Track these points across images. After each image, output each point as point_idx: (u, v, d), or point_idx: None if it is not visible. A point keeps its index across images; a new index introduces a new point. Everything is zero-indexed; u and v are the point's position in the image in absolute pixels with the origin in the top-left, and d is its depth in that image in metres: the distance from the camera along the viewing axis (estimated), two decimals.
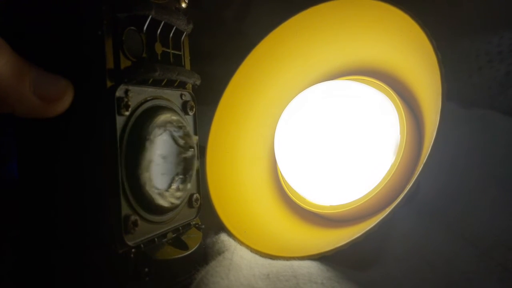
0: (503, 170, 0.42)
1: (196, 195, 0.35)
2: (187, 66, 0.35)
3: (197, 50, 0.37)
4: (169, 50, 0.33)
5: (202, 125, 0.39)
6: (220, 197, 0.43)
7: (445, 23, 0.56)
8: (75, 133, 0.28)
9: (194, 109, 0.35)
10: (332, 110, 0.42)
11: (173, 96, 0.33)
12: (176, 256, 0.32)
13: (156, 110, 0.30)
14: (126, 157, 0.28)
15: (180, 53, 0.34)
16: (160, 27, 0.31)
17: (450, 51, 0.59)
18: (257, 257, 0.36)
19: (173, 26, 0.32)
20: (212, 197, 0.42)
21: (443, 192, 0.42)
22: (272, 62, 0.47)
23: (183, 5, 0.34)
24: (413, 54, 0.38)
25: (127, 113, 0.28)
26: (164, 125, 0.30)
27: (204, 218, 0.37)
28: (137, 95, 0.29)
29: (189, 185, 0.33)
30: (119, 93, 0.27)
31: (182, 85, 0.34)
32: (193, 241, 0.34)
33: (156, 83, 0.31)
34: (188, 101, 0.35)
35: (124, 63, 0.28)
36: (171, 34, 0.32)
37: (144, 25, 0.30)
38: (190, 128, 0.34)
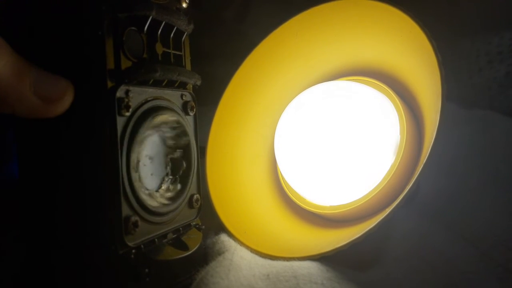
0: (503, 170, 0.42)
1: (196, 196, 0.35)
2: (188, 66, 0.35)
3: (197, 51, 0.37)
4: (169, 51, 0.33)
5: (202, 125, 0.39)
6: (220, 197, 0.43)
7: (445, 23, 0.56)
8: (75, 134, 0.28)
9: (194, 110, 0.35)
10: (332, 110, 0.42)
11: (173, 97, 0.33)
12: (176, 257, 0.32)
13: (152, 111, 0.30)
14: (126, 158, 0.28)
15: (180, 53, 0.34)
16: (161, 27, 0.31)
17: (450, 52, 0.59)
18: (257, 258, 0.36)
19: (174, 27, 0.32)
20: (212, 197, 0.42)
21: (443, 192, 0.42)
22: (272, 63, 0.47)
23: (184, 5, 0.34)
24: (413, 54, 0.38)
25: (127, 114, 0.28)
26: (156, 126, 0.30)
27: (204, 218, 0.37)
28: (138, 95, 0.29)
29: (179, 185, 0.33)
30: (119, 93, 0.27)
31: (182, 86, 0.34)
32: (193, 241, 0.34)
33: (157, 84, 0.31)
34: (188, 101, 0.35)
35: (125, 63, 0.28)
36: (171, 35, 0.32)
37: (144, 26, 0.30)
38: (189, 128, 0.34)
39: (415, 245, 0.35)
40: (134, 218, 0.28)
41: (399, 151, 0.39)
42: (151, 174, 0.31)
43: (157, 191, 0.31)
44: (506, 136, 0.45)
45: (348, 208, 0.40)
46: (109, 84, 0.27)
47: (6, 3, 0.29)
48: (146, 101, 0.30)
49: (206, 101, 0.42)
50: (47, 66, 0.26)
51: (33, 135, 0.29)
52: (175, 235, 0.33)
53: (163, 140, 0.32)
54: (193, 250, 0.33)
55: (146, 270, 0.28)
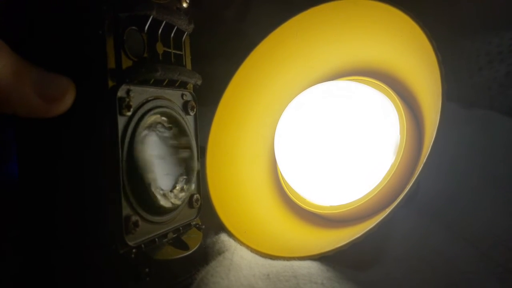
0: (503, 170, 0.42)
1: (196, 196, 0.35)
2: (188, 66, 0.35)
3: (197, 50, 0.37)
4: (170, 50, 0.33)
5: (203, 125, 0.39)
6: (220, 197, 0.43)
7: (445, 23, 0.56)
8: (76, 134, 0.28)
9: (195, 109, 0.35)
10: (332, 110, 0.42)
11: (174, 96, 0.33)
12: (177, 256, 0.32)
13: (152, 110, 0.30)
14: (127, 158, 0.28)
15: (181, 53, 0.34)
16: (162, 27, 0.31)
17: (450, 52, 0.59)
18: (257, 257, 0.36)
19: (174, 26, 0.32)
20: (212, 197, 0.42)
21: (443, 192, 0.42)
22: (272, 63, 0.47)
23: (184, 5, 0.34)
24: (413, 54, 0.38)
25: (128, 113, 0.28)
26: (152, 125, 0.30)
27: (204, 218, 0.37)
28: (139, 95, 0.29)
29: (193, 186, 0.33)
30: (120, 93, 0.27)
31: (183, 85, 0.34)
32: (194, 241, 0.34)
33: (158, 83, 0.31)
34: (189, 101, 0.35)
35: (126, 63, 0.28)
36: (172, 34, 0.32)
37: (145, 25, 0.30)
38: (190, 128, 0.34)
39: (415, 245, 0.35)
40: (135, 217, 0.28)
41: (399, 151, 0.39)
42: (166, 174, 0.31)
43: (171, 191, 0.31)
44: (506, 136, 0.45)
45: (348, 208, 0.40)
46: (110, 83, 0.27)
47: (6, 3, 0.29)
48: (147, 101, 0.30)
49: (206, 101, 0.42)
50: (48, 66, 0.26)
51: (33, 134, 0.29)
52: (176, 235, 0.33)
53: (166, 140, 0.32)
54: (193, 250, 0.33)
55: (147, 269, 0.28)
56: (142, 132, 0.29)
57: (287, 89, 0.47)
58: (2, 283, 0.33)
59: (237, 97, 0.47)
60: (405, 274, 0.32)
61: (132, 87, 0.28)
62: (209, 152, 0.44)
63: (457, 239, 0.35)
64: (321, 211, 0.43)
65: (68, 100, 0.26)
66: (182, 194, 0.32)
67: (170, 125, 0.32)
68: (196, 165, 0.35)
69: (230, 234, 0.39)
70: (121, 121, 0.27)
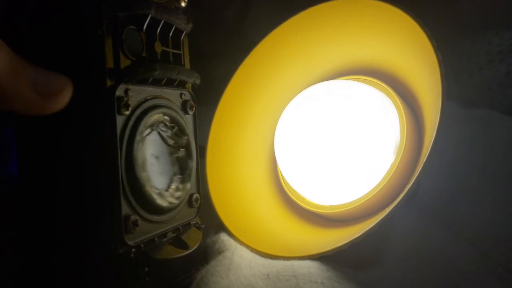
0: (503, 170, 0.42)
1: (196, 195, 0.35)
2: (187, 65, 0.35)
3: (197, 50, 0.37)
4: (168, 49, 0.33)
5: (202, 125, 0.39)
6: (220, 197, 0.43)
7: (445, 23, 0.56)
8: (75, 133, 0.28)
9: (194, 109, 0.35)
10: (332, 109, 0.42)
11: (173, 96, 0.33)
12: (176, 256, 0.32)
13: (151, 109, 0.30)
14: (126, 157, 0.28)
15: (179, 52, 0.34)
16: (160, 26, 0.31)
17: (450, 51, 0.59)
18: (257, 257, 0.36)
19: (173, 25, 0.32)
20: (212, 197, 0.42)
21: (443, 192, 0.42)
22: (272, 62, 0.47)
23: (183, 4, 0.34)
24: (413, 54, 0.38)
25: (127, 113, 0.28)
26: (154, 124, 0.30)
27: (204, 217, 0.37)
28: (137, 94, 0.29)
29: (188, 185, 0.33)
30: (119, 92, 0.27)
31: (182, 84, 0.34)
32: (193, 240, 0.34)
33: (156, 82, 0.31)
34: (188, 100, 0.35)
35: (124, 62, 0.28)
36: (170, 33, 0.32)
37: (144, 24, 0.30)
38: (189, 128, 0.34)
39: (415, 244, 0.35)
40: (134, 217, 0.28)
41: (399, 150, 0.39)
42: (159, 174, 0.31)
43: (166, 190, 0.31)
44: (506, 135, 0.45)
45: (348, 208, 0.40)
46: (109, 83, 0.27)
47: (6, 3, 0.29)
48: (146, 100, 0.30)
49: (206, 101, 0.42)
50: (47, 65, 0.26)
51: (33, 134, 0.29)
52: (175, 234, 0.33)
53: (164, 139, 0.32)
54: (193, 249, 0.33)
55: (146, 269, 0.28)
56: (144, 131, 0.29)
57: (287, 88, 0.47)
58: (2, 283, 0.33)
59: (237, 97, 0.47)
60: (405, 273, 0.32)
61: (130, 86, 0.28)
62: (209, 152, 0.44)
63: (457, 239, 0.35)
64: (321, 211, 0.43)
65: (65, 97, 0.26)
66: (178, 193, 0.32)
67: (172, 124, 0.32)
68: (194, 164, 0.35)
69: (230, 234, 0.39)
70: (120, 120, 0.27)
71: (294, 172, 0.44)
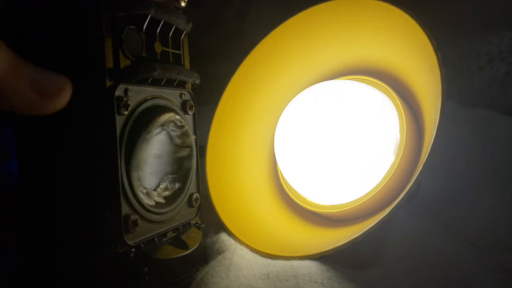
0: (503, 170, 0.42)
1: (196, 195, 0.35)
2: (187, 65, 0.35)
3: (197, 50, 0.37)
4: (168, 49, 0.33)
5: (202, 125, 0.39)
6: (220, 197, 0.43)
7: (445, 23, 0.56)
8: (74, 133, 0.28)
9: (193, 109, 0.35)
10: (332, 109, 0.42)
11: (172, 96, 0.33)
12: (176, 256, 0.32)
13: (155, 109, 0.30)
14: (125, 157, 0.28)
15: (179, 52, 0.34)
16: (160, 26, 0.31)
17: (450, 51, 0.59)
18: (257, 257, 0.36)
19: (173, 25, 0.32)
20: (212, 197, 0.42)
21: (443, 192, 0.42)
22: (272, 62, 0.47)
23: (183, 4, 0.34)
24: (413, 54, 0.38)
25: (126, 113, 0.28)
26: (163, 124, 0.30)
27: (204, 217, 0.37)
28: (137, 94, 0.29)
29: (177, 185, 0.33)
30: (118, 92, 0.27)
31: (181, 85, 0.34)
32: (193, 240, 0.34)
33: (156, 83, 0.31)
34: (187, 100, 0.35)
35: (124, 62, 0.28)
36: (170, 33, 0.32)
37: (143, 24, 0.30)
38: (189, 128, 0.34)
39: (415, 244, 0.35)
40: (134, 216, 0.28)
41: (399, 150, 0.39)
42: (151, 173, 0.31)
43: (154, 189, 0.31)
44: (506, 135, 0.45)
45: (348, 208, 0.40)
46: (108, 83, 0.27)
47: (6, 3, 0.29)
48: (145, 100, 0.30)
49: (206, 100, 0.42)
50: (46, 65, 0.26)
51: (33, 134, 0.29)
52: (175, 234, 0.33)
53: (172, 139, 0.32)
54: (192, 249, 0.33)
55: (146, 269, 0.28)
56: (152, 130, 0.29)
57: (287, 88, 0.47)
58: (2, 283, 0.33)
59: (237, 97, 0.47)
60: (405, 273, 0.32)
61: (130, 86, 0.28)
62: (209, 152, 0.44)
63: (457, 239, 0.35)
64: (321, 211, 0.43)
65: (64, 96, 0.26)
66: (166, 193, 0.32)
67: (182, 124, 0.32)
68: (194, 164, 0.35)
69: (230, 234, 0.39)
70: (119, 120, 0.27)
71: (294, 172, 0.44)
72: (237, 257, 0.35)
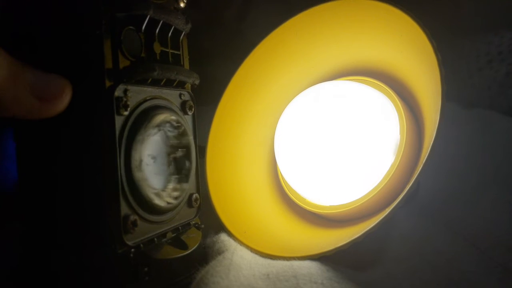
0: (503, 170, 0.42)
1: (195, 195, 0.35)
2: (186, 65, 0.35)
3: (196, 50, 0.37)
4: (167, 50, 0.33)
5: (202, 125, 0.39)
6: (220, 197, 0.43)
7: (445, 23, 0.56)
8: (74, 134, 0.28)
9: (193, 109, 0.35)
10: (332, 110, 0.42)
11: (172, 96, 0.33)
12: (176, 256, 0.32)
13: (152, 110, 0.30)
14: (125, 157, 0.28)
15: (179, 52, 0.34)
16: (159, 26, 0.31)
17: (450, 52, 0.59)
18: (257, 257, 0.36)
19: (172, 26, 0.32)
20: (212, 197, 0.42)
21: (443, 192, 0.42)
22: (272, 63, 0.47)
23: (182, 4, 0.34)
24: (413, 54, 0.38)
25: (126, 113, 0.28)
26: (159, 125, 0.30)
27: (204, 218, 0.37)
28: (136, 94, 0.29)
29: (185, 185, 0.33)
30: (118, 92, 0.27)
31: (181, 85, 0.34)
32: (193, 240, 0.34)
33: (155, 83, 0.31)
34: (187, 100, 0.35)
35: (123, 62, 0.28)
36: (169, 34, 0.32)
37: (142, 25, 0.30)
38: (188, 128, 0.34)
39: (415, 244, 0.35)
40: (133, 217, 0.28)
41: (399, 151, 0.39)
42: (155, 174, 0.31)
43: (163, 190, 0.31)
44: (506, 135, 0.45)
45: (348, 208, 0.40)
46: (107, 83, 0.27)
47: (5, 3, 0.29)
48: (145, 100, 0.30)
49: (206, 101, 0.42)
50: (45, 66, 0.26)
51: (32, 135, 0.29)
52: (175, 234, 0.33)
53: (168, 139, 0.32)
54: (192, 249, 0.33)
55: (146, 269, 0.28)
56: (146, 131, 0.29)
57: (287, 89, 0.47)
58: (2, 283, 0.33)
59: (237, 97, 0.47)
60: (405, 273, 0.32)
61: (129, 87, 0.28)
62: (209, 152, 0.44)
63: (457, 239, 0.35)
64: (321, 211, 0.43)
65: (64, 100, 0.26)
66: (175, 193, 0.32)
67: (179, 124, 0.32)
68: (193, 164, 0.35)
69: (230, 234, 0.39)
70: (119, 120, 0.27)
71: (294, 172, 0.44)
72: (237, 257, 0.35)
